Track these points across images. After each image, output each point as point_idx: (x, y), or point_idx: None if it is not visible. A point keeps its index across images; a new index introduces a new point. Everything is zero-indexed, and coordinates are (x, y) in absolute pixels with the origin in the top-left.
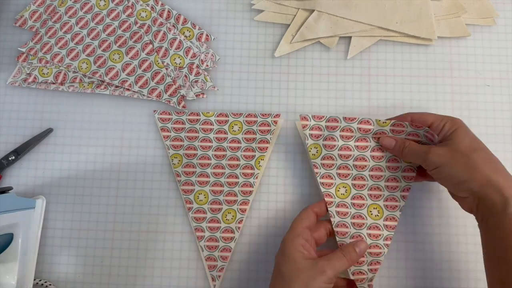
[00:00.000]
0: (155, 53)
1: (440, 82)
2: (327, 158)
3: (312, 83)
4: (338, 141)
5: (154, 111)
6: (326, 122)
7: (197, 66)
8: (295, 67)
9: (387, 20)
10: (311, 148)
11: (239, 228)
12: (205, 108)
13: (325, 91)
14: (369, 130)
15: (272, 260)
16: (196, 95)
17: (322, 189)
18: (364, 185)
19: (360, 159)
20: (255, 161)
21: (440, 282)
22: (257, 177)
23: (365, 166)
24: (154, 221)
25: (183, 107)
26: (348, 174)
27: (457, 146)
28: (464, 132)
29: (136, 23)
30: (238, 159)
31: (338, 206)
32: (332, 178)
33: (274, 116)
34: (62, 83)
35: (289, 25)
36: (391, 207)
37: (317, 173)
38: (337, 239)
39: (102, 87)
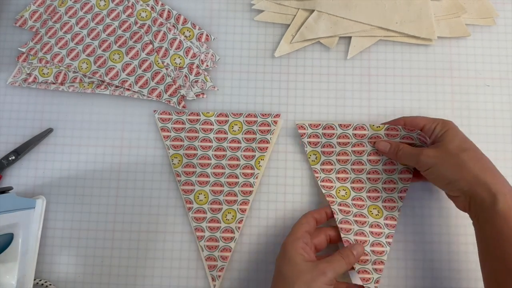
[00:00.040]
0: (155, 53)
1: (440, 82)
2: (326, 163)
3: (312, 83)
4: (335, 147)
5: (154, 111)
6: (322, 129)
7: (197, 66)
8: (295, 67)
9: (387, 20)
10: (310, 155)
11: (239, 228)
12: (205, 108)
13: (325, 91)
14: (364, 135)
15: (272, 260)
16: (196, 95)
17: (324, 191)
18: (362, 187)
19: (358, 163)
20: (255, 161)
21: (440, 282)
22: (257, 177)
23: (363, 169)
24: (154, 221)
25: (183, 107)
26: (347, 178)
27: (447, 147)
28: (454, 133)
29: (136, 23)
30: (238, 159)
31: (340, 205)
32: (332, 182)
33: (274, 116)
34: (62, 83)
35: (289, 25)
36: (389, 207)
37: (317, 177)
38: (342, 235)
39: (102, 87)
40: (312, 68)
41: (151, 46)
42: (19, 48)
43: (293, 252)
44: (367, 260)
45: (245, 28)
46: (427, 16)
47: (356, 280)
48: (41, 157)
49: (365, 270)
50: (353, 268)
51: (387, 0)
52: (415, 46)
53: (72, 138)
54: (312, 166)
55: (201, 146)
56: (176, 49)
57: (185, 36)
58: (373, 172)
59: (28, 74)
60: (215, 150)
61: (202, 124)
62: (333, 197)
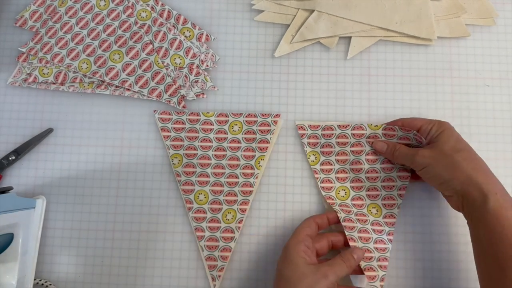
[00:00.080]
0: (155, 53)
1: (440, 82)
2: (326, 163)
3: (312, 83)
4: (334, 147)
5: (154, 111)
6: (322, 130)
7: (197, 66)
8: (295, 67)
9: (387, 20)
10: (309, 156)
11: (239, 228)
12: (205, 108)
13: (325, 91)
14: (363, 134)
15: (272, 260)
16: (196, 95)
17: (323, 193)
18: (361, 186)
19: (356, 163)
20: (255, 161)
21: (440, 282)
22: (257, 177)
23: (361, 169)
24: (154, 221)
25: (183, 107)
26: (346, 178)
27: (441, 147)
28: (449, 134)
29: (136, 23)
30: (238, 159)
31: (340, 205)
32: (331, 182)
33: (274, 116)
34: (62, 83)
35: (289, 25)
36: (389, 205)
37: (317, 178)
38: (346, 233)
39: (103, 87)
40: (312, 68)
41: (151, 46)
42: (19, 48)
43: (295, 255)
44: (372, 257)
45: (245, 28)
46: (427, 16)
47: (357, 283)
48: (41, 157)
49: (370, 267)
50: (354, 272)
51: (387, 0)
52: (415, 46)
53: (72, 138)
54: (311, 167)
55: (201, 146)
56: (176, 49)
57: (185, 36)
58: (371, 171)
59: (28, 74)
60: (215, 150)
61: (202, 124)
62: (333, 199)
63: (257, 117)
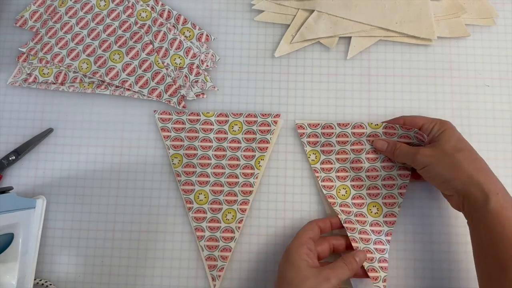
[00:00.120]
0: (155, 53)
1: (440, 82)
2: (326, 162)
3: (312, 83)
4: (335, 146)
5: (154, 111)
6: (321, 129)
7: (197, 66)
8: (295, 67)
9: (386, 20)
10: (310, 155)
11: (239, 228)
12: (205, 108)
13: (325, 91)
14: (363, 133)
15: (272, 260)
16: (196, 95)
17: (324, 192)
18: (362, 185)
19: (356, 162)
20: (255, 161)
21: (440, 282)
22: (257, 177)
23: (362, 167)
24: (154, 221)
25: (183, 107)
26: (347, 176)
27: (443, 146)
28: (451, 133)
29: (136, 23)
30: (238, 159)
31: (341, 206)
32: (332, 181)
33: (274, 116)
34: (62, 83)
35: (289, 25)
36: (389, 204)
37: (318, 177)
38: (348, 234)
39: (103, 87)
40: (312, 68)
41: (151, 46)
42: (20, 48)
43: (297, 257)
44: (373, 258)
45: (245, 28)
46: (427, 16)
47: (357, 286)
48: (41, 157)
49: (373, 269)
50: (356, 275)
51: (387, 0)
52: (415, 46)
53: (72, 138)
54: (312, 166)
55: (201, 146)
56: (176, 49)
57: (185, 36)
58: (372, 170)
59: (28, 74)
60: (215, 150)
61: (202, 124)
62: (334, 198)
63: (257, 117)
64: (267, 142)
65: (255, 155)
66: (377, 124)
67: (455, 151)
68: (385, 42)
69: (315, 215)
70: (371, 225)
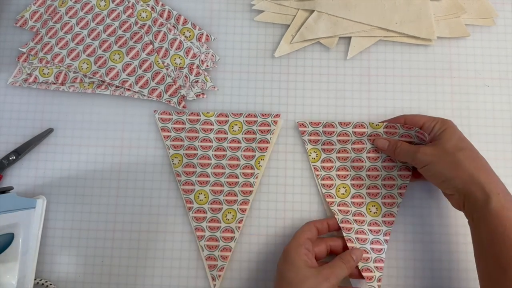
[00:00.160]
0: (156, 54)
1: (439, 82)
2: (327, 161)
3: (312, 83)
4: (335, 145)
5: (155, 111)
6: (323, 127)
7: (197, 67)
8: (295, 67)
9: (386, 20)
10: (310, 153)
11: (239, 228)
12: (205, 108)
13: (325, 91)
14: (364, 133)
15: (272, 260)
16: (196, 95)
17: (324, 190)
18: (362, 184)
19: (357, 161)
20: (255, 161)
21: (440, 282)
22: (257, 177)
23: (362, 167)
24: (154, 221)
25: (184, 107)
26: (347, 175)
27: (444, 145)
28: (452, 132)
29: (136, 23)
30: (238, 159)
31: (339, 205)
32: (332, 180)
33: (274, 116)
34: (62, 83)
35: (289, 25)
36: (388, 204)
37: (318, 175)
38: (344, 234)
39: (103, 87)
40: (312, 68)
41: (151, 46)
42: (20, 48)
43: (296, 257)
44: (369, 258)
45: (245, 28)
46: (427, 16)
47: (356, 285)
48: (42, 157)
49: (367, 269)
50: (353, 276)
51: (386, 0)
52: (415, 46)
53: (73, 138)
54: (312, 164)
55: (201, 146)
56: (176, 49)
57: (185, 37)
58: (372, 169)
59: (28, 74)
60: (215, 150)
61: (202, 124)
62: (332, 197)
63: (257, 117)
64: (267, 142)
65: (255, 155)
66: (378, 124)
67: (456, 150)
68: (385, 42)
69: (315, 215)
70: (369, 224)
